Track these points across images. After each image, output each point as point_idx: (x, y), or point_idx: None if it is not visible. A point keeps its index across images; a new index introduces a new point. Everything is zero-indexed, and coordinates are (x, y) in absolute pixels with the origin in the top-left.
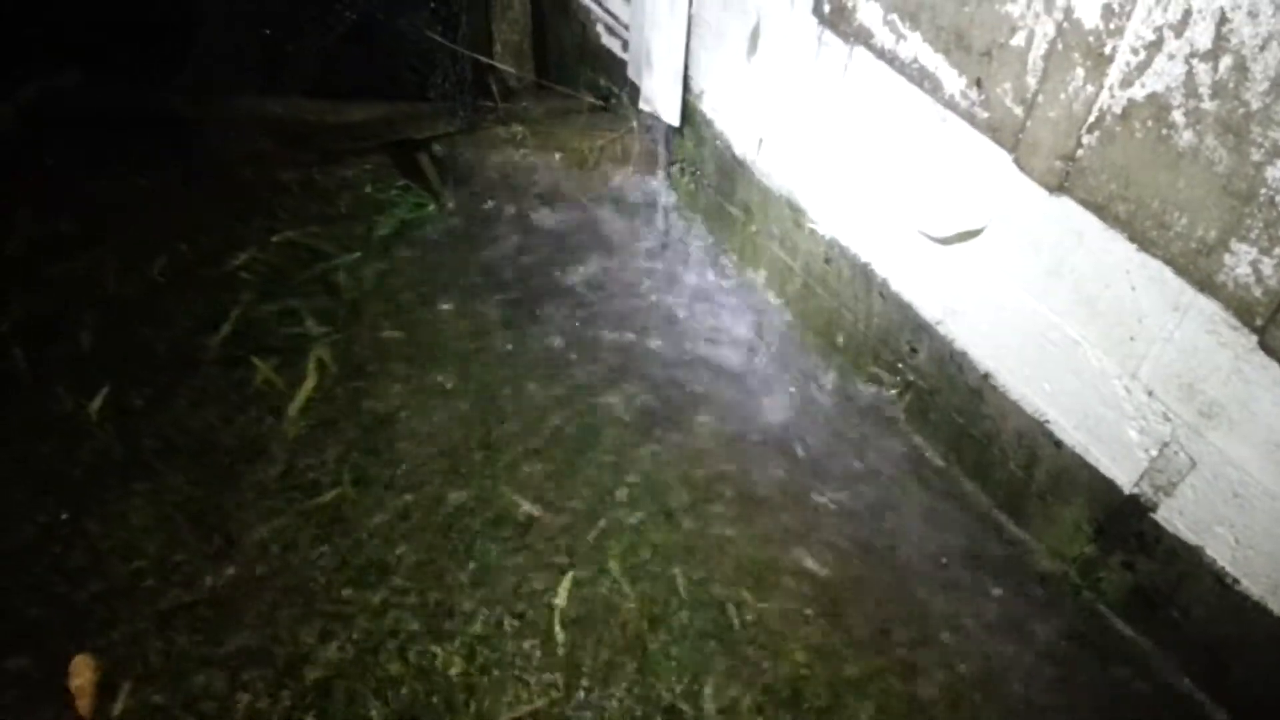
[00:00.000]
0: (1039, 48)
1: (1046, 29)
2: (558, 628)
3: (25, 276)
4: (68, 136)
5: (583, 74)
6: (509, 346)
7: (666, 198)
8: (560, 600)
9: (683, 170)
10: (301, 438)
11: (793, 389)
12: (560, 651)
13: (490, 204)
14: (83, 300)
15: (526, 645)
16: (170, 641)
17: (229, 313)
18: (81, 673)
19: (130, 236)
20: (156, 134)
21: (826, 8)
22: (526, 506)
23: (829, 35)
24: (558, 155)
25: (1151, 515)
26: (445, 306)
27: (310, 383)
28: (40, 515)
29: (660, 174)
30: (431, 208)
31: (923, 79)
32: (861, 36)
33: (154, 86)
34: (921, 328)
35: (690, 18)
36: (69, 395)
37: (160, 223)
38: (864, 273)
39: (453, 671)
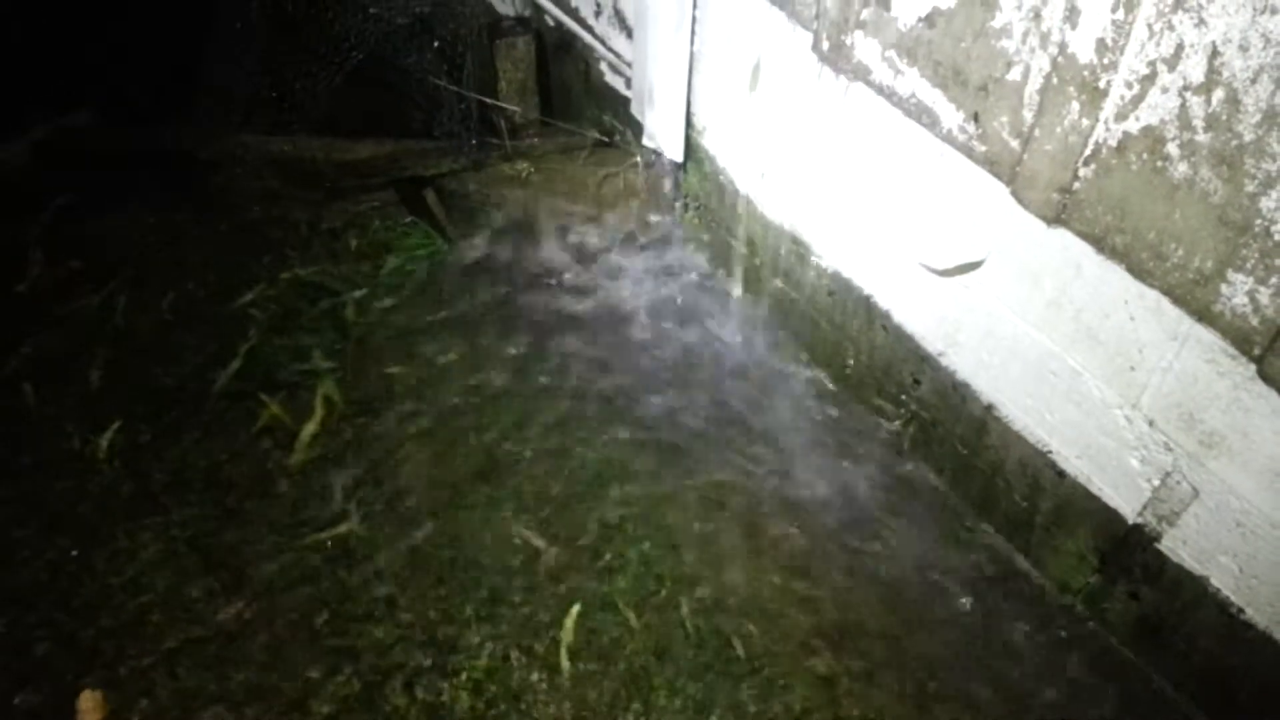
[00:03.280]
0: (1034, 82)
1: (1042, 64)
2: (564, 661)
3: (36, 314)
4: (79, 175)
5: (587, 111)
6: (514, 382)
7: (671, 232)
8: (567, 634)
9: (686, 205)
10: (308, 473)
11: (797, 423)
12: (567, 685)
13: (496, 240)
14: (92, 337)
15: (533, 679)
16: (177, 677)
17: (237, 349)
18: (89, 708)
19: (140, 274)
20: (167, 173)
21: (825, 45)
22: (532, 540)
23: (828, 72)
24: (563, 192)
25: (1156, 545)
26: (451, 342)
27: (317, 418)
28: (49, 551)
29: (665, 208)
30: (438, 244)
31: (921, 114)
32: (860, 73)
33: (164, 125)
34: (924, 359)
35: (692, 55)
36: (78, 432)
37: (170, 260)
38: (866, 305)
39: (460, 706)
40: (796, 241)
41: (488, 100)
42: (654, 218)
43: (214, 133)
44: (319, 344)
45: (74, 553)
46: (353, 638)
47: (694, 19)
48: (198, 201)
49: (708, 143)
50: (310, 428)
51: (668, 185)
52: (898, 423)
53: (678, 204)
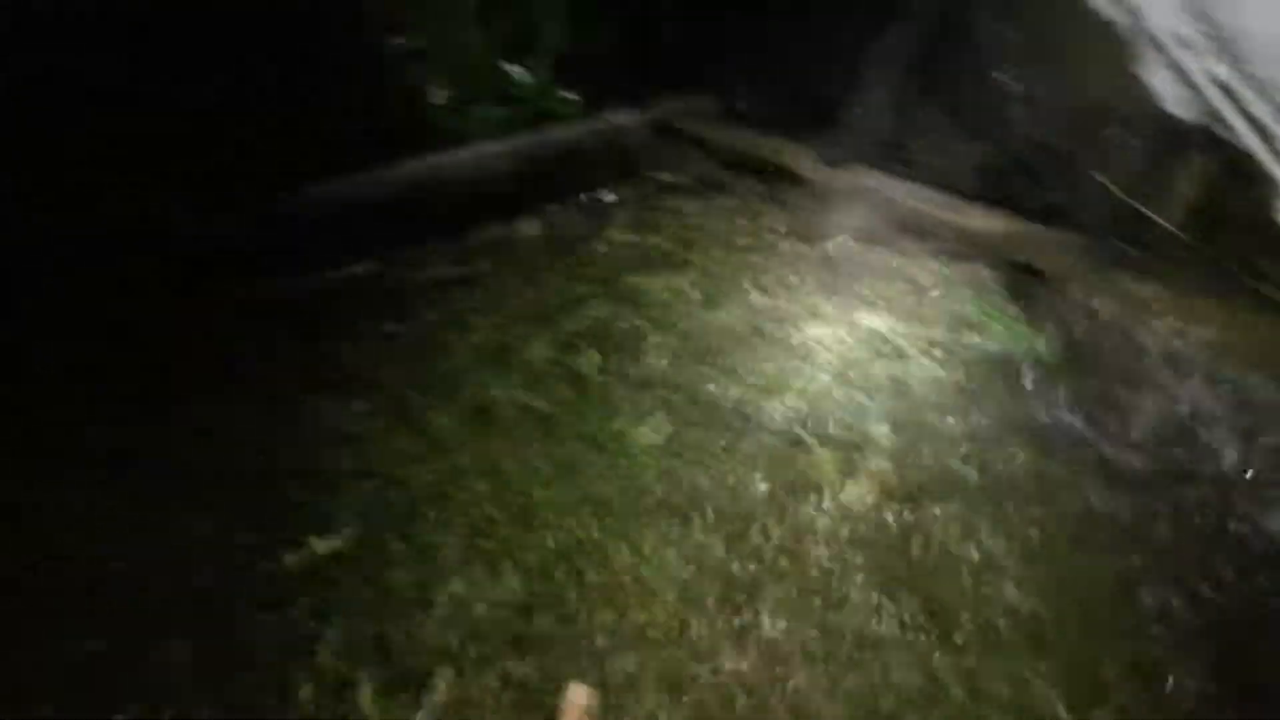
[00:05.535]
0: None
1: None
2: None
3: None
4: None
5: (1251, 254)
6: None
7: None
8: None
9: None
10: None
11: None
12: None
13: (1112, 362)
14: None
15: None
16: None
17: None
18: (577, 701)
19: None
20: None
21: None
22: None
23: None
24: (1202, 330)
25: None
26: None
27: None
28: None
29: None
30: (1027, 341)
31: None
32: None
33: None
34: None
35: None
36: None
37: None
38: None
39: None
40: None
41: (1139, 206)
42: None
43: None
44: None
45: None
46: None
47: None
48: None
49: None
50: None
51: None
52: None
53: None
